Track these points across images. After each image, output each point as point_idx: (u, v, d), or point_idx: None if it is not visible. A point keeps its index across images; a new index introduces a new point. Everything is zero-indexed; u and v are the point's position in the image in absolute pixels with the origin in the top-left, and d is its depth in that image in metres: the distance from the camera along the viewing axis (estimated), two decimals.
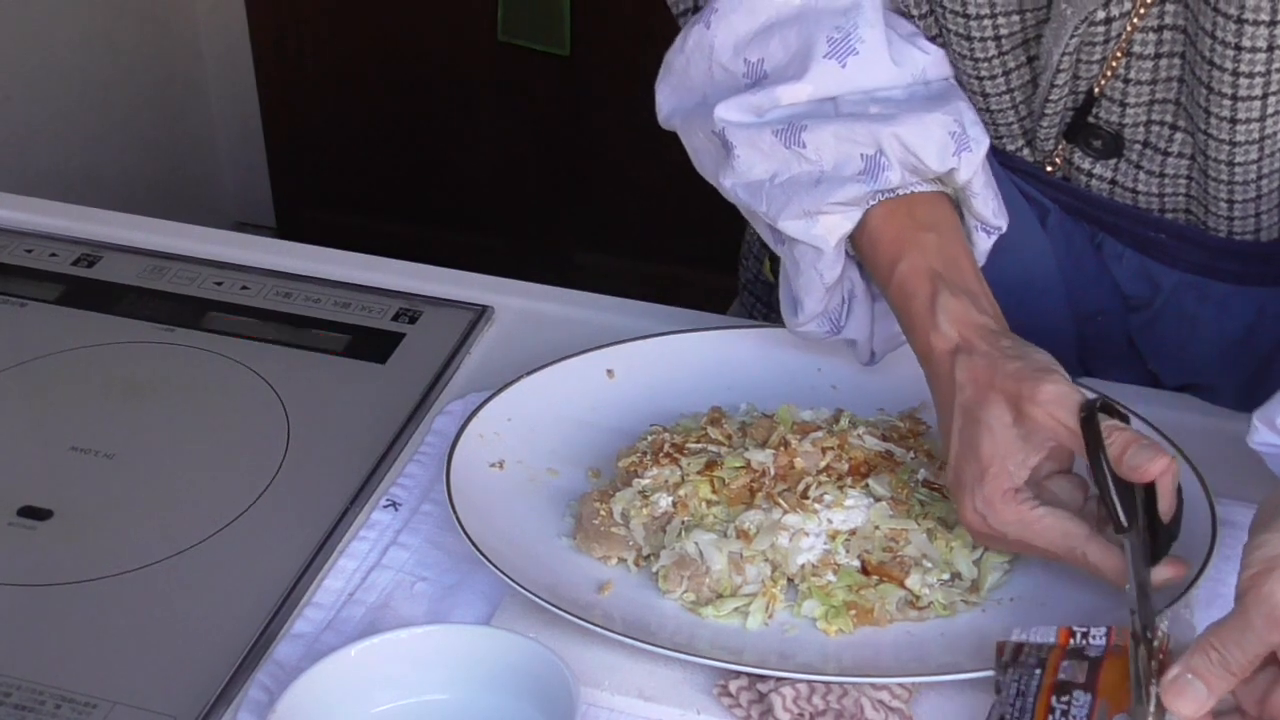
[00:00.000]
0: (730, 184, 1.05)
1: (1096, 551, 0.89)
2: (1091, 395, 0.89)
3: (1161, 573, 0.88)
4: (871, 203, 1.01)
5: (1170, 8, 0.99)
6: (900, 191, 1.01)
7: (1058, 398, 0.89)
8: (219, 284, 1.25)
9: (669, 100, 1.10)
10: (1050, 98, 1.04)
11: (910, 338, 0.99)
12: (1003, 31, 1.04)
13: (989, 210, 1.03)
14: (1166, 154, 1.06)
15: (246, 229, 2.60)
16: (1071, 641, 0.86)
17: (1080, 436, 0.88)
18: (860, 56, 1.02)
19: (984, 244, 1.04)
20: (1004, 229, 1.04)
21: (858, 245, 1.03)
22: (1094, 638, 0.86)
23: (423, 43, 2.82)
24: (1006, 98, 1.07)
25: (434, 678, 0.88)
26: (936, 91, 1.05)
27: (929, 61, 1.05)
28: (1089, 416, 0.88)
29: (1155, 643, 0.82)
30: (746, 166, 1.04)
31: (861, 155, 1.00)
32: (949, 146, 1.00)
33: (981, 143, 1.01)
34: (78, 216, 1.35)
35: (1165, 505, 0.88)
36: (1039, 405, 0.89)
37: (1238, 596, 0.79)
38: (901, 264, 0.99)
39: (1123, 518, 0.87)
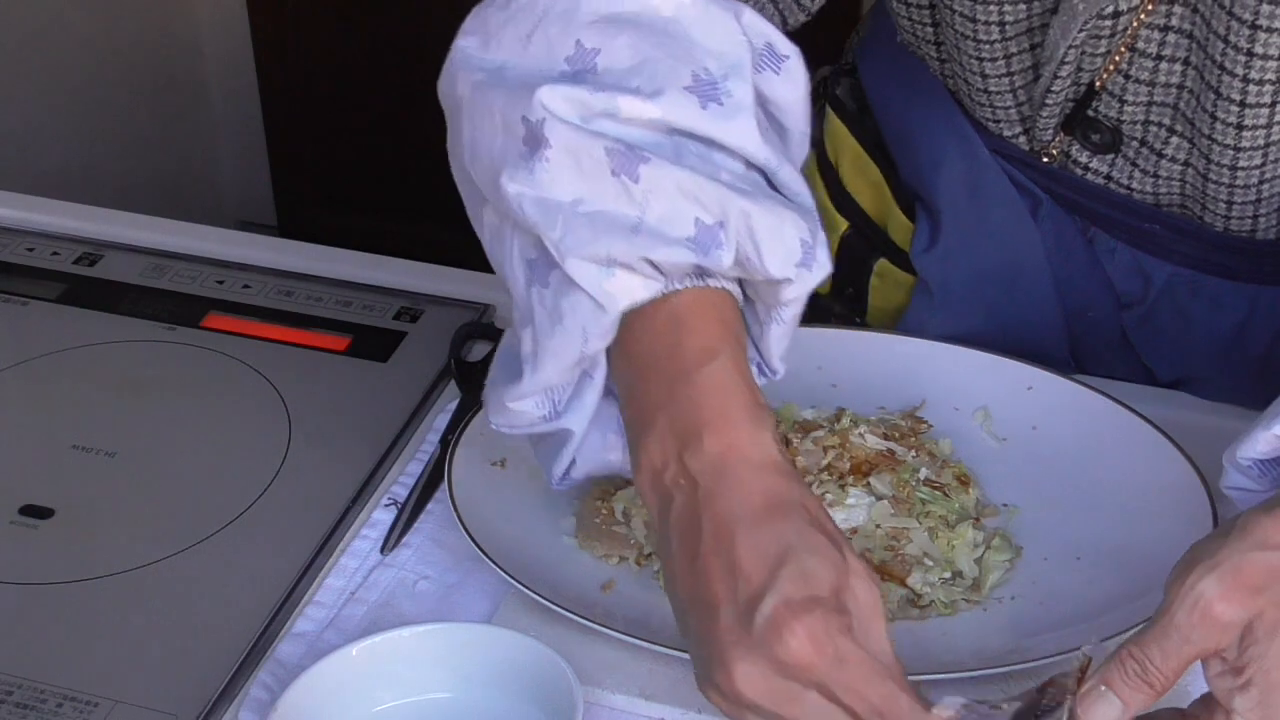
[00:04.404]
0: (516, 190, 0.82)
1: None
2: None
3: None
4: (680, 284, 0.82)
5: (1178, 10, 0.98)
6: (711, 282, 0.83)
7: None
8: (220, 283, 1.25)
9: (467, 62, 0.87)
10: (1052, 89, 1.04)
11: (709, 437, 0.79)
12: (1008, 18, 1.04)
13: (781, 348, 0.87)
14: (1161, 155, 1.06)
15: (248, 228, 2.59)
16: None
17: None
18: (724, 109, 0.83)
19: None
20: (777, 376, 0.89)
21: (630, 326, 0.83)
22: None
23: (424, 41, 2.81)
24: (1005, 81, 1.07)
25: (436, 676, 0.88)
26: (792, 193, 0.86)
27: (787, 161, 0.86)
28: None
29: (1076, 663, 0.77)
30: (552, 178, 0.82)
31: (697, 220, 0.81)
32: (796, 254, 0.82)
33: (825, 268, 0.84)
34: (79, 215, 1.35)
35: None
36: None
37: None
38: (717, 361, 0.81)
39: None
